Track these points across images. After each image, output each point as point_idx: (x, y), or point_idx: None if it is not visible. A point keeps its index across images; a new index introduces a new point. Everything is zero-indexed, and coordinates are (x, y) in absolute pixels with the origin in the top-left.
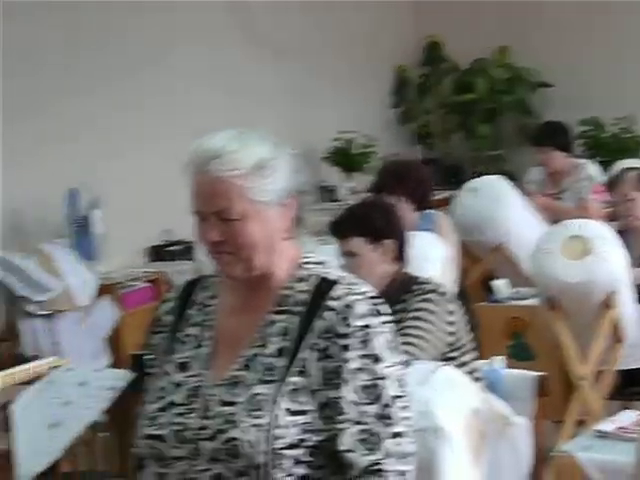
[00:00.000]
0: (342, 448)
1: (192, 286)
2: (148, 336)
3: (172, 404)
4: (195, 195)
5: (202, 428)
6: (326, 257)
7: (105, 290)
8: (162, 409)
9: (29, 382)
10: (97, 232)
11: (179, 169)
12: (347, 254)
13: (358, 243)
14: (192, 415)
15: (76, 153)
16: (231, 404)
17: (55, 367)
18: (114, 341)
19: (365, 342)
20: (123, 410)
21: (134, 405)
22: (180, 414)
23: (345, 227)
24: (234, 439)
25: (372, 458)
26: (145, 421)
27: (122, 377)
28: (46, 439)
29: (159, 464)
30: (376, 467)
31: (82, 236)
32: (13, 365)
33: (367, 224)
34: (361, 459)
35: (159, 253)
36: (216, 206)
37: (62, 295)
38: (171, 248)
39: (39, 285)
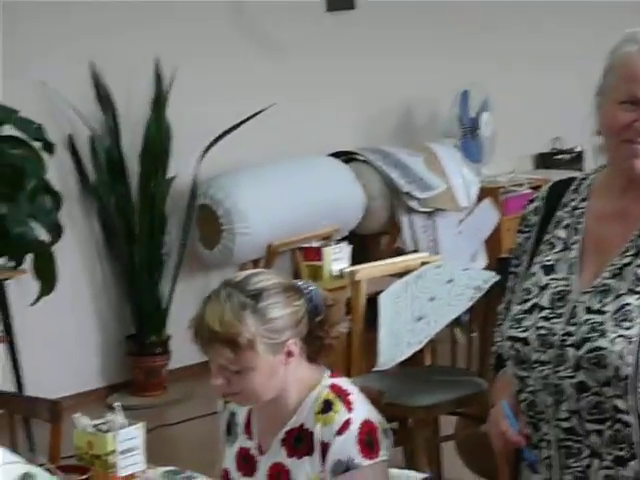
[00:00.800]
0: None
1: (562, 187)
2: (516, 236)
3: (537, 307)
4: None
5: (567, 334)
6: None
7: (487, 193)
8: (527, 311)
9: (400, 275)
10: (485, 135)
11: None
12: None
13: None
14: (557, 320)
15: (469, 55)
16: (599, 312)
17: (426, 263)
18: (492, 244)
19: None
20: (486, 311)
21: (497, 307)
22: (545, 318)
23: None
24: (600, 349)
25: None
26: (509, 322)
27: (489, 278)
28: (409, 331)
29: (520, 366)
30: None
31: (470, 138)
32: (391, 258)
33: None
34: None
35: (546, 160)
36: None
37: (445, 194)
38: (559, 156)
39: (423, 183)
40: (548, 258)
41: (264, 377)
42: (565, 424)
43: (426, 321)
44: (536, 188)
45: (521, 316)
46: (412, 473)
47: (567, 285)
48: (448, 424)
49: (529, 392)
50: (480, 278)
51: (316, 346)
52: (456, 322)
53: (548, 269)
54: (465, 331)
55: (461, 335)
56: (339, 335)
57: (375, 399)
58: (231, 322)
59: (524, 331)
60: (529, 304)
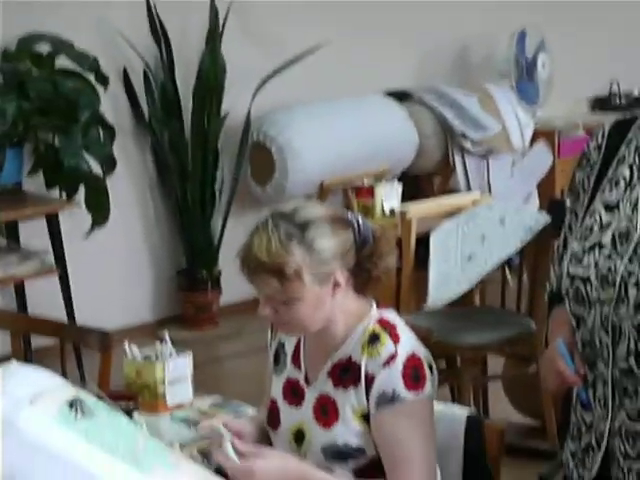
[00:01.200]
0: None
1: (627, 125)
2: (575, 172)
3: (598, 245)
4: None
5: (629, 274)
6: None
7: (542, 135)
8: (588, 249)
9: (452, 214)
10: (541, 77)
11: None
12: None
13: None
14: (619, 259)
15: None
16: None
17: (477, 202)
18: (545, 187)
19: None
20: (537, 253)
21: (548, 248)
22: (607, 257)
23: None
24: None
25: None
26: (569, 260)
27: (541, 219)
28: (460, 270)
29: (579, 305)
30: None
31: (526, 79)
32: None
33: None
34: None
35: (603, 104)
36: None
37: (499, 136)
38: (616, 100)
39: (478, 123)
40: (611, 196)
41: (311, 307)
42: (622, 364)
43: (476, 261)
44: (591, 131)
45: (581, 254)
46: (457, 409)
47: (630, 224)
48: (496, 364)
49: (587, 330)
50: (532, 219)
51: (364, 278)
52: (507, 264)
53: (611, 208)
54: (515, 273)
55: (511, 277)
56: (387, 268)
57: (424, 337)
58: (278, 252)
59: (585, 269)
60: (590, 242)
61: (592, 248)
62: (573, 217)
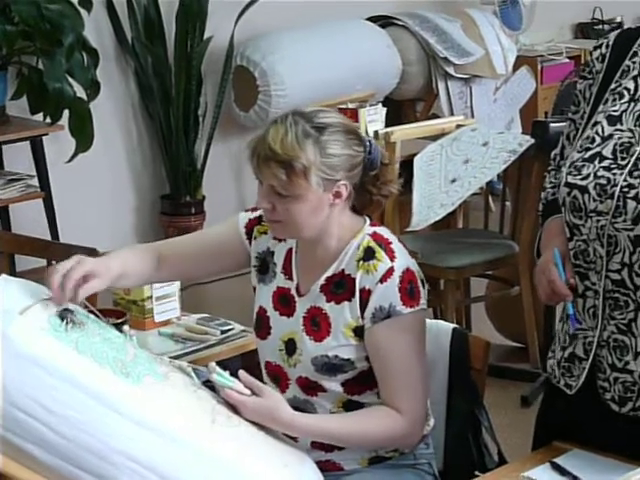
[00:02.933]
0: None
1: (632, 36)
2: (577, 82)
3: (599, 156)
4: None
5: (629, 186)
6: None
7: (525, 62)
8: (588, 159)
9: (435, 138)
10: (525, 2)
11: None
12: None
13: None
14: (619, 171)
15: None
16: None
17: (461, 126)
18: (528, 113)
19: None
20: (520, 177)
21: (532, 172)
22: (606, 168)
23: None
24: None
25: None
26: (567, 169)
27: (524, 141)
28: (443, 192)
29: (575, 214)
30: None
31: (509, 5)
32: None
33: None
34: None
35: (585, 30)
36: None
37: (482, 61)
38: (599, 26)
39: (461, 49)
40: (614, 108)
41: (309, 210)
42: (615, 276)
43: (460, 183)
44: (574, 58)
45: (581, 164)
46: (442, 323)
47: (632, 137)
48: (479, 286)
49: (581, 240)
50: (515, 141)
51: (365, 199)
52: (490, 190)
53: (613, 119)
54: (498, 199)
55: (494, 203)
56: (389, 194)
57: None
58: (292, 145)
59: (583, 179)
60: (590, 152)
61: (592, 158)
62: (573, 127)
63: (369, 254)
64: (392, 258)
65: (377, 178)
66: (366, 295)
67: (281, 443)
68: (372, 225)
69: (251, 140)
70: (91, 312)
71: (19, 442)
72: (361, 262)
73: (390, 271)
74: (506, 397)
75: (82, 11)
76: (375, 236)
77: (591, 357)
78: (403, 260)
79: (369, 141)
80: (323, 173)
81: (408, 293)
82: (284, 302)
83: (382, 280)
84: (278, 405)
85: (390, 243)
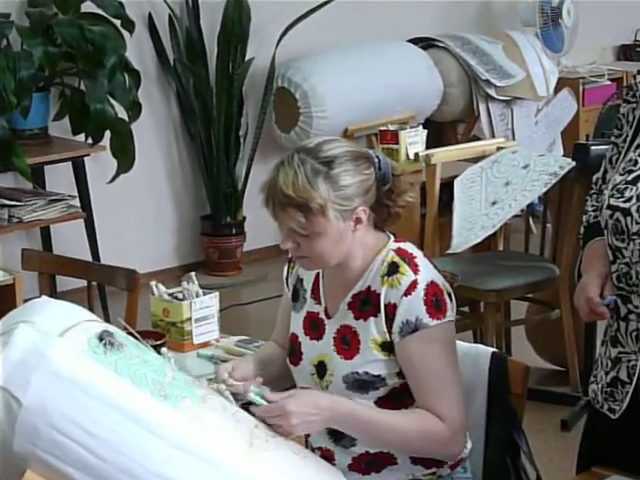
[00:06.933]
0: None
1: None
2: (621, 106)
3: None
4: None
5: None
6: None
7: (567, 83)
8: (630, 182)
9: (476, 160)
10: (566, 24)
11: None
12: None
13: None
14: None
15: None
16: None
17: (502, 148)
18: (569, 135)
19: None
20: (561, 200)
21: (573, 194)
22: None
23: None
24: None
25: None
26: (610, 192)
27: (565, 164)
28: (483, 215)
29: (618, 237)
30: None
31: (551, 27)
32: None
33: None
34: None
35: (628, 52)
36: None
37: (523, 83)
38: None
39: (502, 70)
40: None
41: (332, 242)
42: None
43: (500, 205)
44: (616, 80)
45: (624, 186)
46: (482, 347)
47: None
48: (519, 309)
49: (624, 263)
50: (556, 164)
51: (383, 214)
52: (530, 213)
53: None
54: (539, 221)
55: (535, 226)
56: (406, 204)
57: (447, 282)
58: (304, 187)
59: (626, 201)
60: (633, 175)
61: (635, 181)
62: (615, 150)
63: (393, 269)
64: (416, 271)
65: (392, 191)
66: (392, 309)
67: (319, 466)
68: (396, 241)
69: (262, 186)
70: (130, 334)
71: (58, 465)
72: (385, 277)
73: (414, 284)
74: (546, 421)
75: (124, 32)
76: (399, 251)
77: (634, 381)
78: (427, 273)
79: (377, 157)
80: (339, 206)
81: (434, 305)
82: (314, 327)
83: (406, 293)
84: (316, 393)
85: (414, 257)
